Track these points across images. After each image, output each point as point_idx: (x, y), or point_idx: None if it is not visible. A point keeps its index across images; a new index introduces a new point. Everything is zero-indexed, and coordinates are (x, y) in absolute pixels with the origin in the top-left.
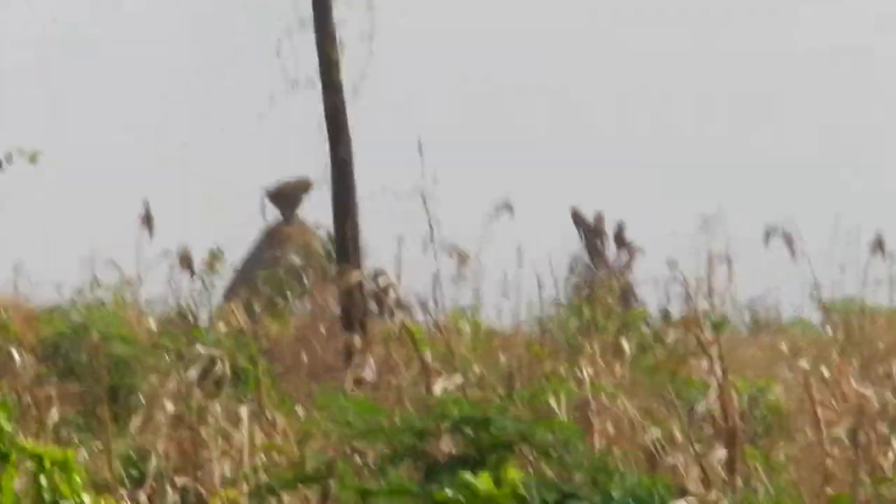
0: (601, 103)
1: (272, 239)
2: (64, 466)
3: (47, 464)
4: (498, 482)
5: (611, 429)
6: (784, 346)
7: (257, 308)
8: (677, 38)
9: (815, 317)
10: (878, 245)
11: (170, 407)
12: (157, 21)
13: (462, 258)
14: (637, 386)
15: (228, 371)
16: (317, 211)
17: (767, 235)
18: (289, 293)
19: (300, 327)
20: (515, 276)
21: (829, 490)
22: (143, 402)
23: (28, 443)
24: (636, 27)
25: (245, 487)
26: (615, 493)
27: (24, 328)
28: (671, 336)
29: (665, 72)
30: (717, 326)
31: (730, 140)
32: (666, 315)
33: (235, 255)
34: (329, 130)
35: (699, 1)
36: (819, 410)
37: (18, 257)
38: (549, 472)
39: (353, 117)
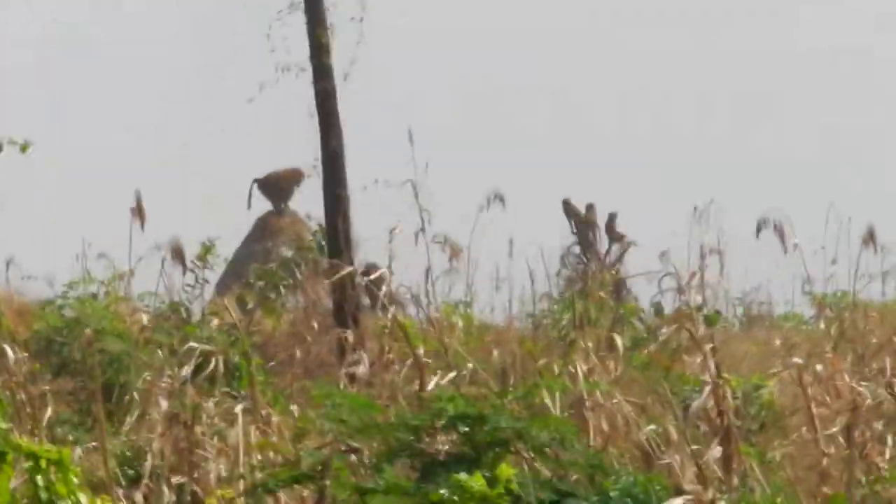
0: (599, 102)
1: (264, 231)
2: (60, 465)
3: (43, 463)
4: (494, 480)
5: (606, 426)
6: (777, 342)
7: (250, 302)
8: (676, 37)
9: (807, 311)
10: (870, 238)
11: (164, 405)
12: (157, 21)
13: (454, 251)
14: (631, 382)
15: (222, 367)
16: (308, 203)
17: (759, 228)
18: (281, 287)
19: (293, 322)
20: (507, 269)
21: (824, 488)
22: (138, 399)
23: (24, 441)
24: (635, 26)
25: (241, 486)
26: (612, 492)
27: (17, 322)
28: (664, 331)
29: (664, 71)
30: (710, 320)
31: (728, 139)
32: (658, 309)
33: (230, 248)
34: (320, 117)
35: (698, 1)
36: (814, 407)
37: (11, 251)
38: (545, 471)
39: (347, 112)
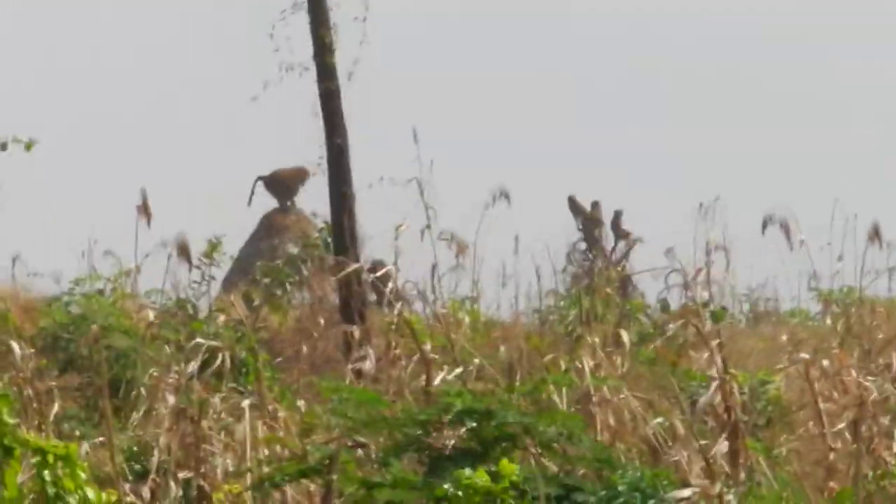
0: (605, 98)
1: (269, 228)
2: (67, 461)
3: (51, 458)
4: (498, 475)
5: (612, 421)
6: (784, 338)
7: (256, 299)
8: (679, 31)
9: (813, 307)
10: (875, 234)
11: (171, 400)
12: (161, 19)
13: (460, 248)
14: (638, 378)
15: (228, 363)
16: (314, 201)
17: (765, 224)
18: (287, 284)
19: (299, 318)
20: (513, 266)
21: (831, 483)
22: (145, 395)
23: (31, 437)
24: (639, 20)
25: (248, 481)
26: (620, 487)
27: (23, 319)
28: (670, 327)
29: (669, 65)
30: (716, 316)
31: (734, 135)
32: (665, 305)
33: (236, 245)
34: (324, 116)
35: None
36: (820, 403)
37: (17, 248)
38: (553, 465)
39: (350, 106)
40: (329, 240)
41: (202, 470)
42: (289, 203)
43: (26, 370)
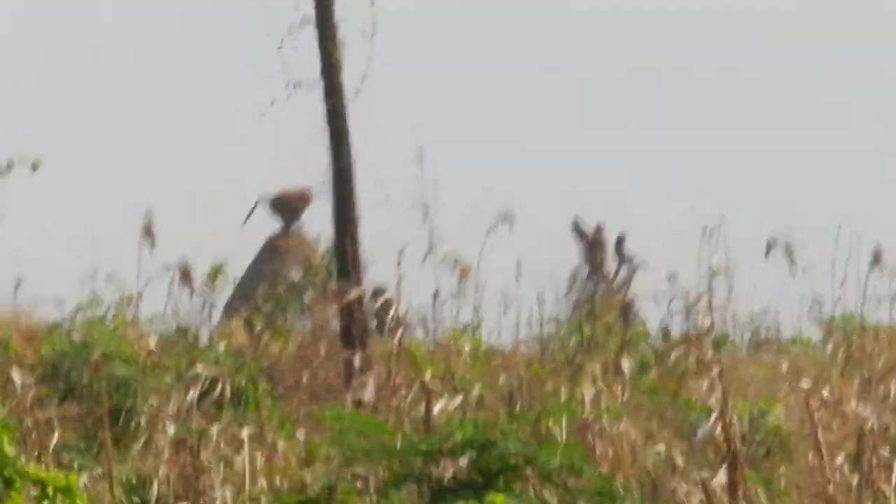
0: (609, 122)
1: (272, 252)
2: (67, 492)
3: (50, 490)
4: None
5: (612, 452)
6: (785, 366)
7: (257, 325)
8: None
9: (814, 333)
10: (877, 259)
11: (170, 430)
12: (166, 34)
13: (463, 272)
14: (638, 407)
15: (228, 392)
16: (317, 222)
17: (768, 249)
18: (289, 310)
19: (300, 345)
20: (515, 292)
21: None
22: (144, 425)
23: (31, 468)
24: (645, 42)
25: None
26: None
27: (24, 346)
28: (672, 355)
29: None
30: (717, 344)
31: (738, 157)
32: (666, 333)
33: (237, 264)
34: (330, 134)
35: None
36: (820, 433)
37: (19, 272)
38: (553, 497)
39: (357, 126)
40: (331, 266)
41: (201, 501)
42: (292, 225)
43: (26, 399)
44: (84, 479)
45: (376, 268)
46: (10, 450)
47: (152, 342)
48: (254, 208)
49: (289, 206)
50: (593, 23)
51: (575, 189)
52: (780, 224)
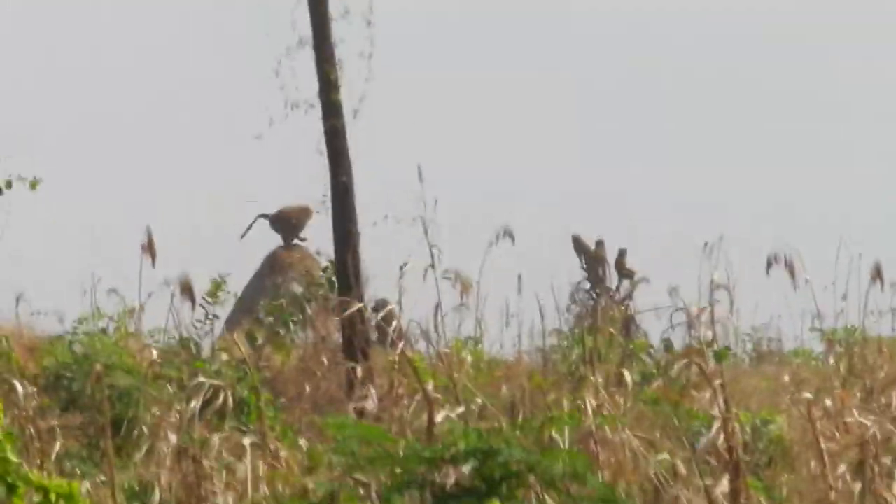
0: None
1: (273, 266)
2: (69, 499)
3: (53, 497)
4: None
5: (615, 461)
6: (787, 377)
7: (259, 338)
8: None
9: (816, 346)
10: (877, 274)
11: (173, 439)
12: (165, 51)
13: (465, 286)
14: (640, 417)
15: (231, 402)
16: (318, 238)
17: (769, 263)
18: (291, 323)
19: (302, 357)
20: (517, 305)
21: None
22: (146, 434)
23: (34, 475)
24: (646, 52)
25: None
26: None
27: (26, 358)
28: (674, 366)
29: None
30: (719, 356)
31: (738, 173)
32: (668, 345)
33: (237, 279)
34: (329, 153)
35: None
36: (822, 443)
37: (20, 285)
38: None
39: (356, 145)
40: (333, 279)
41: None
42: (293, 241)
43: (29, 409)
44: (86, 486)
45: (377, 282)
46: (12, 456)
47: (154, 354)
48: (253, 223)
49: (289, 222)
50: (593, 23)
51: (574, 190)
52: (780, 238)
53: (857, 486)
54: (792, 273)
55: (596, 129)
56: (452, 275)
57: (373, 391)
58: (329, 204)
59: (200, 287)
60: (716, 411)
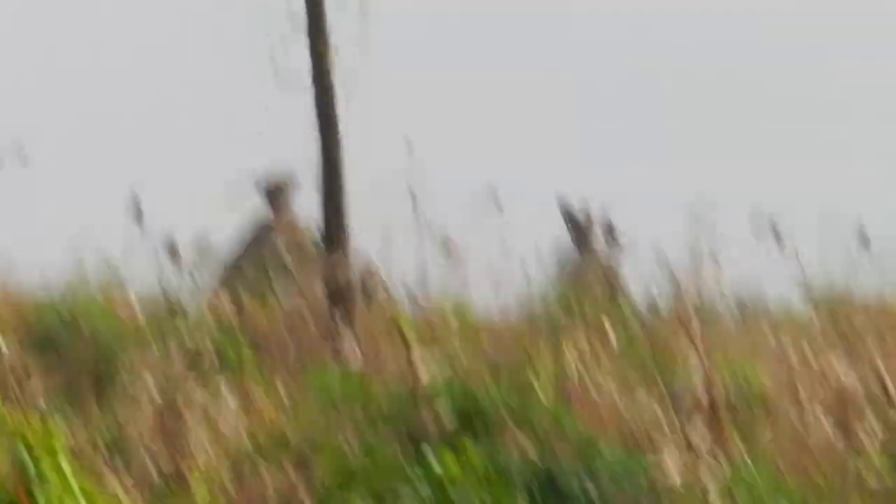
0: (597, 100)
1: (260, 232)
2: (46, 436)
3: (32, 440)
4: (468, 461)
5: (595, 410)
6: (769, 332)
7: (244, 296)
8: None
9: (801, 306)
10: (860, 234)
11: (153, 388)
12: (159, 24)
13: (450, 248)
14: (622, 369)
15: (215, 359)
16: (306, 204)
17: (754, 224)
18: (276, 283)
19: (286, 316)
20: (502, 266)
21: (810, 468)
22: (127, 384)
23: (13, 417)
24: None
25: (227, 465)
26: (602, 472)
27: (7, 311)
28: (658, 324)
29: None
30: (701, 312)
31: (723, 136)
32: (653, 306)
33: (223, 244)
34: (320, 129)
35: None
36: (802, 394)
37: (4, 242)
38: (535, 450)
39: (346, 110)
40: (319, 241)
41: (179, 449)
42: (281, 207)
43: (9, 356)
44: (65, 429)
45: (364, 244)
46: None
47: (139, 312)
48: (242, 190)
49: (277, 189)
50: (593, 23)
51: (572, 188)
52: (769, 207)
53: (835, 432)
54: (777, 233)
55: (596, 129)
56: (439, 237)
57: (356, 349)
58: (317, 170)
59: (186, 248)
60: (696, 361)
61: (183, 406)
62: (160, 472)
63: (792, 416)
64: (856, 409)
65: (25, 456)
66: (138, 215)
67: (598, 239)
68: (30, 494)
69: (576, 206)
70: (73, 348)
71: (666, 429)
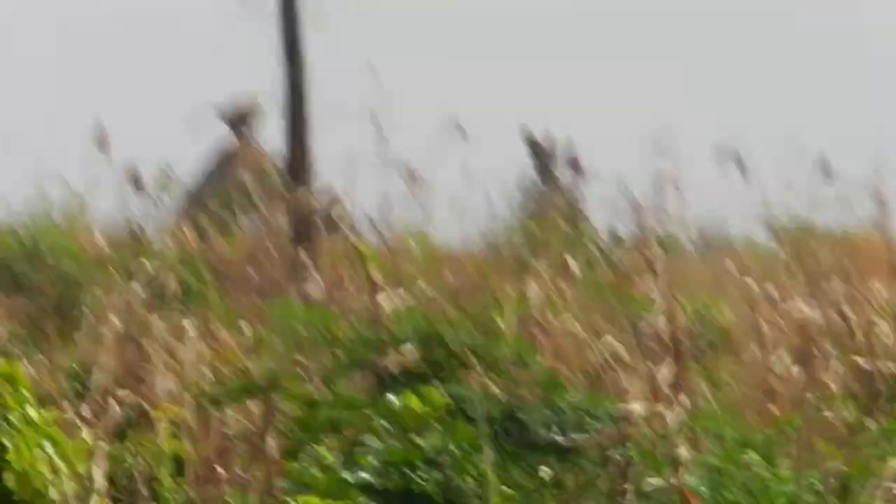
0: (560, 27)
1: (224, 159)
2: (11, 379)
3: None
4: (429, 400)
5: (557, 346)
6: (730, 265)
7: (206, 226)
8: None
9: (762, 236)
10: (822, 165)
11: (114, 320)
12: None
13: (412, 177)
14: (584, 303)
15: (176, 288)
16: (269, 132)
17: (717, 155)
18: (239, 212)
19: (249, 245)
20: (465, 196)
21: (773, 408)
22: (89, 316)
23: None
24: None
25: (189, 400)
26: (564, 407)
27: None
28: (619, 255)
29: None
30: (664, 245)
31: (687, 65)
32: (614, 235)
33: (187, 173)
34: (285, 57)
35: None
36: (765, 329)
37: None
38: (498, 388)
39: (308, 37)
40: (282, 169)
41: (143, 390)
42: (243, 134)
43: None
44: (28, 367)
45: (325, 172)
46: None
47: (100, 241)
48: (202, 115)
49: (240, 116)
50: None
51: (530, 119)
52: (729, 132)
53: (798, 372)
54: (739, 163)
55: (561, 62)
56: (401, 166)
57: (318, 278)
58: (280, 97)
59: (150, 177)
60: (658, 297)
61: (146, 343)
62: (125, 414)
63: (753, 351)
64: (819, 348)
65: None
66: (102, 144)
67: (562, 170)
68: None
69: (540, 136)
70: (36, 279)
71: (628, 365)
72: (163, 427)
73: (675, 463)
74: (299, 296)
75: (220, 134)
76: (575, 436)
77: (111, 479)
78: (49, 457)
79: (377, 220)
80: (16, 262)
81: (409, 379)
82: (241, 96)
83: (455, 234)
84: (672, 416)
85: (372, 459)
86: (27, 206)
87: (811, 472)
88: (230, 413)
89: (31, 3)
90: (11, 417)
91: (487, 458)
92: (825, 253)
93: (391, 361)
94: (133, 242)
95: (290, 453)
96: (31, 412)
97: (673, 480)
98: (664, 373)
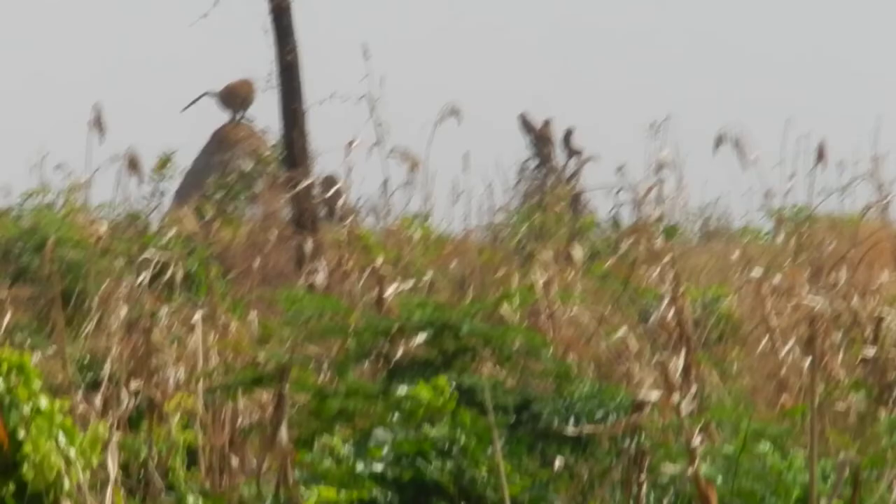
0: (557, 11)
1: (221, 142)
2: (21, 370)
3: (4, 368)
4: (440, 391)
5: (565, 336)
6: (736, 255)
7: (208, 213)
8: None
9: (765, 224)
10: (822, 153)
11: (122, 311)
12: None
13: (412, 163)
14: (590, 293)
15: (180, 275)
16: (265, 116)
17: (718, 142)
18: (239, 198)
19: (251, 233)
20: (464, 183)
21: (783, 397)
22: (96, 306)
23: None
24: None
25: (199, 390)
26: (576, 398)
27: None
28: (623, 243)
29: None
30: (668, 233)
31: (687, 53)
32: (616, 222)
33: (186, 157)
34: (275, 31)
35: None
36: (773, 318)
37: None
38: (511, 379)
39: (301, 20)
40: (280, 155)
41: (153, 380)
42: (239, 116)
43: None
44: (37, 357)
45: (325, 158)
46: None
47: (102, 228)
48: (198, 98)
49: (236, 97)
50: None
51: (528, 104)
52: (730, 119)
53: (807, 362)
54: (740, 151)
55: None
56: (400, 152)
57: (322, 265)
58: (275, 81)
59: (148, 162)
60: (665, 287)
61: (151, 327)
62: (135, 404)
63: (761, 342)
64: (826, 335)
65: (6, 398)
66: (101, 128)
67: (560, 153)
68: (13, 438)
69: (538, 120)
70: (38, 265)
71: (637, 354)
72: (175, 417)
73: (690, 452)
74: (303, 283)
75: (217, 116)
76: (588, 426)
77: (125, 470)
78: (62, 448)
79: (377, 205)
80: (19, 250)
81: (419, 369)
82: (238, 78)
83: (456, 221)
84: (685, 406)
85: (384, 450)
86: (28, 194)
87: (824, 462)
88: (242, 403)
89: None
90: (23, 408)
91: (499, 449)
92: (829, 239)
93: (401, 351)
94: (135, 229)
95: (302, 442)
96: (43, 402)
97: (688, 469)
98: (672, 363)
